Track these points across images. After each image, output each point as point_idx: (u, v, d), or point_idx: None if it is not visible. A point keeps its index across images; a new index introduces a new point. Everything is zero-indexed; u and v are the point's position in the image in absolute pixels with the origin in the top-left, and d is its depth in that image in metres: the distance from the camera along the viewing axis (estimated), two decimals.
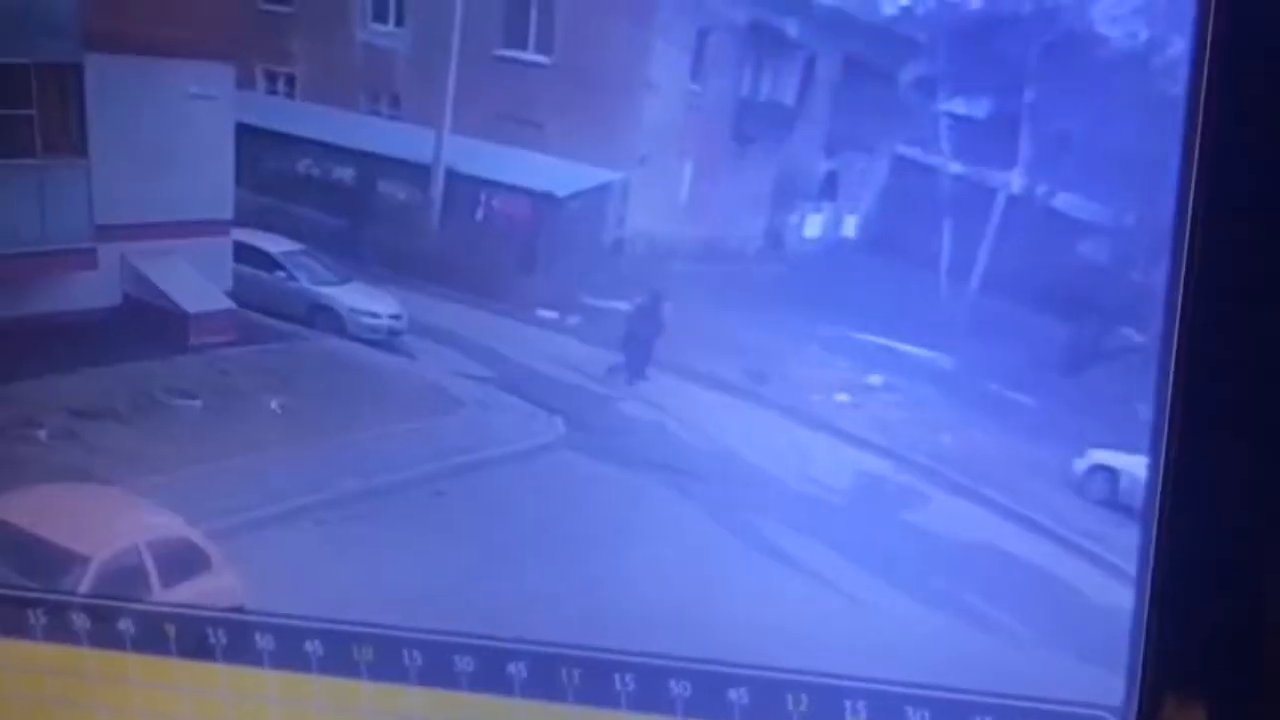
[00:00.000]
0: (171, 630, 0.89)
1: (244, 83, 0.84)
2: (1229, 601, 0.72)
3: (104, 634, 0.89)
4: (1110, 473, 0.73)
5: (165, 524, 0.88)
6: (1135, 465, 0.72)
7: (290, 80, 0.84)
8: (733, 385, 0.80)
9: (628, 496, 0.81)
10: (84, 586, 0.89)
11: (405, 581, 0.85)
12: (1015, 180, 0.72)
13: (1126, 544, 0.74)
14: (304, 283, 0.88)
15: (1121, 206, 0.71)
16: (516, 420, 0.84)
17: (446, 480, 0.85)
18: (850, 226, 0.76)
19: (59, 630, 0.89)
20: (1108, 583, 0.74)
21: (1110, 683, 0.75)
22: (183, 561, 0.88)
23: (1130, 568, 0.74)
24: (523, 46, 0.80)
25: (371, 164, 0.86)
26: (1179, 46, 0.68)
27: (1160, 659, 0.73)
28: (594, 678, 0.82)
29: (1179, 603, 0.72)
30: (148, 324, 0.89)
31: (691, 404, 0.80)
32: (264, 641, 0.87)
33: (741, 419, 0.80)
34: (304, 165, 0.86)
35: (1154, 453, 0.72)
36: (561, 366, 0.83)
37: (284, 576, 0.87)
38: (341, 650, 0.86)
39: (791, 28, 0.75)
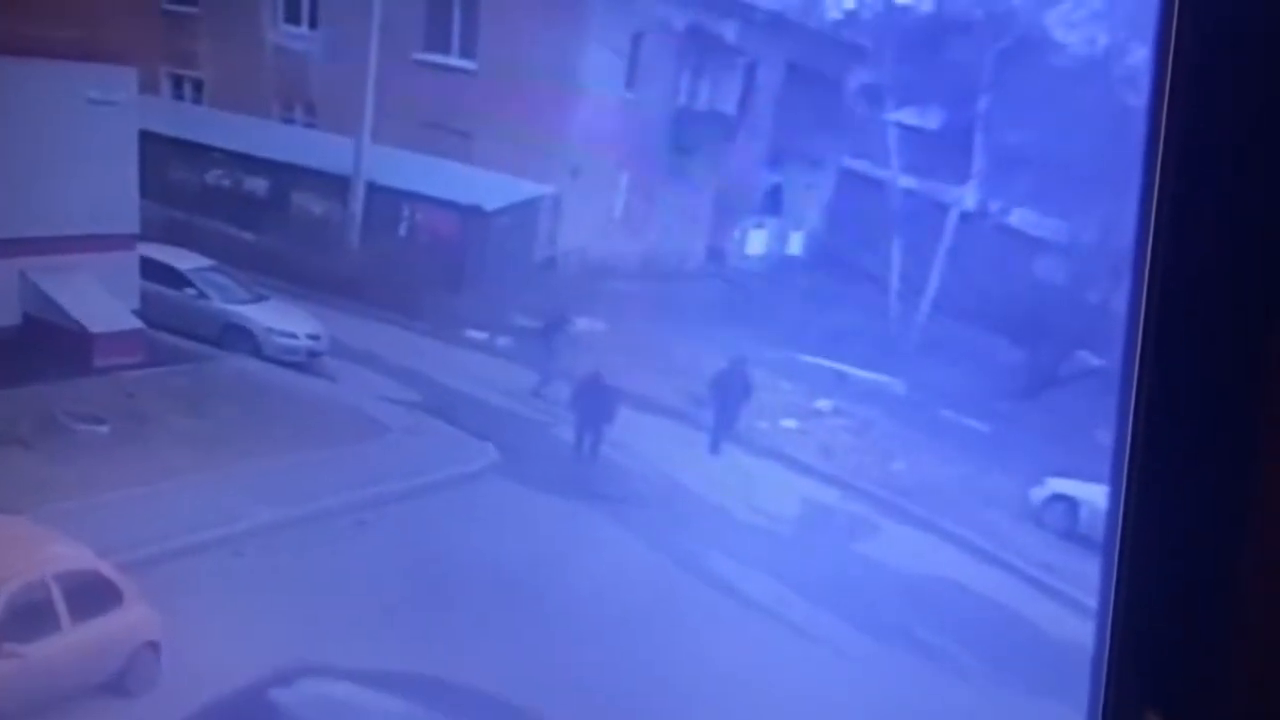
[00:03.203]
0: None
1: (147, 87, 0.81)
2: (1193, 637, 0.69)
3: None
4: (1069, 502, 0.71)
5: (74, 555, 0.84)
6: (1095, 495, 0.69)
7: (197, 85, 0.81)
8: (671, 409, 0.76)
9: (564, 526, 0.78)
10: None
11: (327, 616, 0.81)
12: (968, 195, 0.69)
13: (1087, 577, 0.71)
14: (216, 301, 0.85)
15: (1081, 224, 0.68)
16: (445, 446, 0.81)
17: (371, 510, 0.82)
18: (796, 243, 0.73)
19: None
20: (1067, 617, 0.71)
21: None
22: (93, 595, 0.84)
23: (1090, 601, 0.71)
24: (446, 51, 0.76)
25: (286, 175, 0.82)
26: (1141, 54, 0.65)
27: (1122, 696, 0.70)
28: None
29: (1141, 638, 0.69)
30: (50, 345, 0.86)
31: (628, 428, 0.77)
32: None
33: (681, 444, 0.76)
34: (214, 176, 0.82)
35: (1115, 482, 0.69)
36: (492, 390, 0.79)
37: (200, 611, 0.83)
38: None
39: (731, 32, 0.72)
